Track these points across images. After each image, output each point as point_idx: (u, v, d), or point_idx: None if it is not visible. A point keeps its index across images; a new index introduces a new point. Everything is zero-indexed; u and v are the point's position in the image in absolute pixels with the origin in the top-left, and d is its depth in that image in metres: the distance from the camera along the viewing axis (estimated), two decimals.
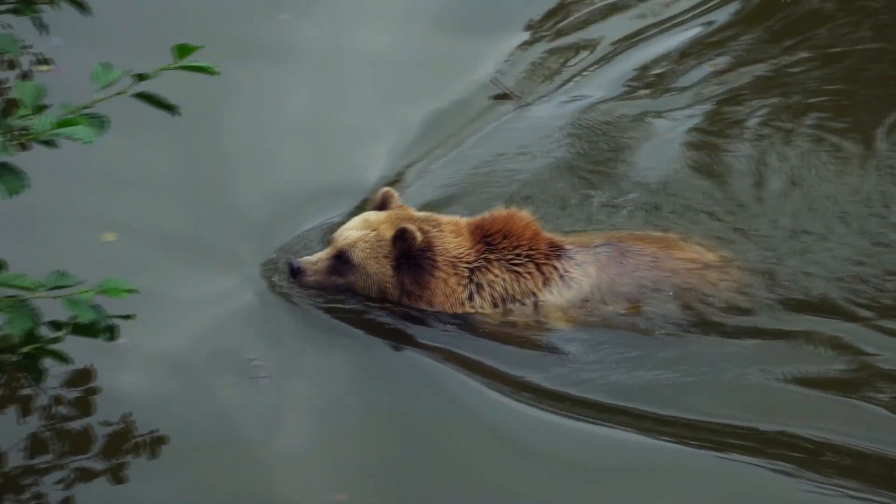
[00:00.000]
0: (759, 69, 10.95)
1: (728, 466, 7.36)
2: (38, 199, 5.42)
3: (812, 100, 10.38)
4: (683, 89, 10.81)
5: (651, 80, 10.96)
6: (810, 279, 8.47)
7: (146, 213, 9.13)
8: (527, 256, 8.18)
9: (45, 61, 9.84)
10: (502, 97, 10.64)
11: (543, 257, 8.19)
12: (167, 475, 7.25)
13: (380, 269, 8.11)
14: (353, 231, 8.18)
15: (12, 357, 5.73)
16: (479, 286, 8.16)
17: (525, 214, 8.25)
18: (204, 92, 5.64)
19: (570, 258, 8.22)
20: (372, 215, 8.26)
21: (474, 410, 7.78)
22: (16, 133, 5.18)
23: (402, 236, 8.04)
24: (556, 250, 8.23)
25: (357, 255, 8.12)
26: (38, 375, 5.81)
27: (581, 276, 8.18)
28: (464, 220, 8.32)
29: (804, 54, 11.11)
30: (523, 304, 8.17)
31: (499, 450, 7.54)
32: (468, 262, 8.17)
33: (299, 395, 7.89)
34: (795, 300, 8.34)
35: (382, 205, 8.35)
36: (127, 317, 6.75)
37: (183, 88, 5.64)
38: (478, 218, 8.34)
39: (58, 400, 7.56)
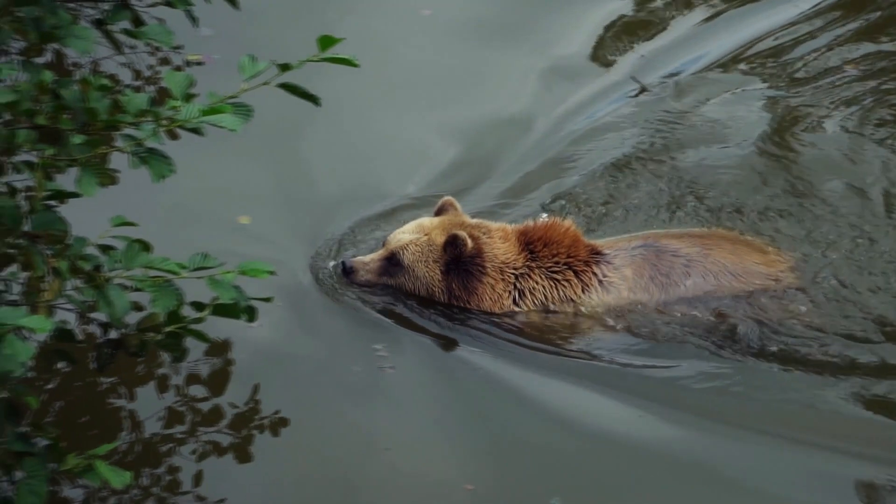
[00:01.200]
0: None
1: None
2: (181, 183, 5.57)
3: None
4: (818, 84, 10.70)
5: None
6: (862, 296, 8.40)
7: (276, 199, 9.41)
8: (565, 264, 8.32)
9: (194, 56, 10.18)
10: (641, 91, 10.62)
11: (583, 264, 8.32)
12: (290, 457, 7.44)
13: (429, 273, 8.28)
14: (405, 234, 8.38)
15: (156, 336, 5.92)
16: (522, 292, 8.32)
17: (566, 223, 8.38)
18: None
19: (609, 262, 8.32)
20: (426, 220, 8.48)
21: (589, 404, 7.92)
22: (164, 121, 5.35)
23: (453, 242, 8.22)
24: (596, 256, 8.34)
25: (408, 258, 8.31)
26: (179, 354, 6.01)
27: (619, 279, 8.28)
28: (511, 227, 8.45)
29: None
30: (564, 310, 8.26)
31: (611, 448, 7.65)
32: (514, 269, 8.33)
33: (423, 386, 8.03)
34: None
35: (440, 211, 8.52)
36: (266, 299, 6.93)
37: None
38: (522, 225, 8.47)
39: (192, 375, 7.81)
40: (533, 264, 8.40)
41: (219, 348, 8.04)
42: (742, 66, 11.12)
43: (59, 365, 7.60)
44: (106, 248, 5.64)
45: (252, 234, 8.99)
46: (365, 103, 10.29)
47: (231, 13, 6.59)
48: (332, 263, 8.59)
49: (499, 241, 8.41)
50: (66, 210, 5.61)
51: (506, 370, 8.16)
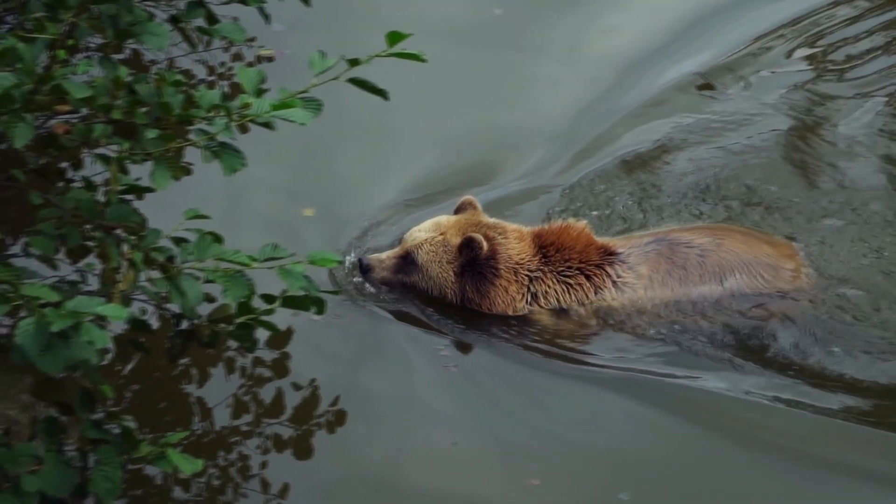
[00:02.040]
0: None
1: None
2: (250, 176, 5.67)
3: None
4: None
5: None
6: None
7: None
8: (578, 269, 8.27)
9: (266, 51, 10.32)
10: (705, 87, 10.57)
11: (595, 267, 8.26)
12: (353, 450, 7.51)
13: (442, 273, 8.24)
14: (421, 233, 8.34)
15: (228, 327, 6.03)
16: (535, 295, 8.26)
17: (578, 225, 8.33)
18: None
19: (623, 262, 8.27)
20: (443, 219, 8.43)
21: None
22: (236, 116, 5.45)
23: (468, 245, 8.17)
24: (609, 257, 8.28)
25: (422, 257, 8.27)
26: (250, 345, 6.11)
27: (633, 278, 8.23)
28: (527, 229, 8.39)
29: None
30: (578, 313, 8.24)
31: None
32: (529, 271, 8.27)
33: (485, 384, 8.05)
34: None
35: (460, 210, 8.49)
36: (335, 292, 7.03)
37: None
38: (537, 228, 8.42)
39: (258, 366, 7.90)
40: (546, 269, 8.34)
41: (282, 340, 8.10)
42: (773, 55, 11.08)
43: (134, 355, 7.70)
44: (179, 241, 5.73)
45: (316, 226, 9.05)
46: (432, 98, 10.37)
47: (302, 9, 6.71)
48: (349, 260, 8.56)
49: (514, 241, 8.34)
50: (139, 203, 5.74)
51: (565, 370, 8.18)
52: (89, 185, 5.81)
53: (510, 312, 8.30)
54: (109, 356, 7.70)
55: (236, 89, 6.02)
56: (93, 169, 5.94)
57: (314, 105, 5.50)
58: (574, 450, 7.63)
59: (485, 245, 8.16)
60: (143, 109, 5.47)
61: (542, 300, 8.29)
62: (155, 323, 7.46)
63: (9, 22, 6.05)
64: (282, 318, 6.70)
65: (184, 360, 7.75)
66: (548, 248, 8.32)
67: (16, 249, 7.80)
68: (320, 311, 6.09)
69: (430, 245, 8.27)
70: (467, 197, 8.53)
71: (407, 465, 7.52)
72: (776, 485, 7.37)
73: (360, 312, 8.43)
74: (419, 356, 8.21)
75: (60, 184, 6.01)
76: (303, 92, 5.53)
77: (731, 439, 7.65)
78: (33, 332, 5.00)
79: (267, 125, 5.51)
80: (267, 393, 7.81)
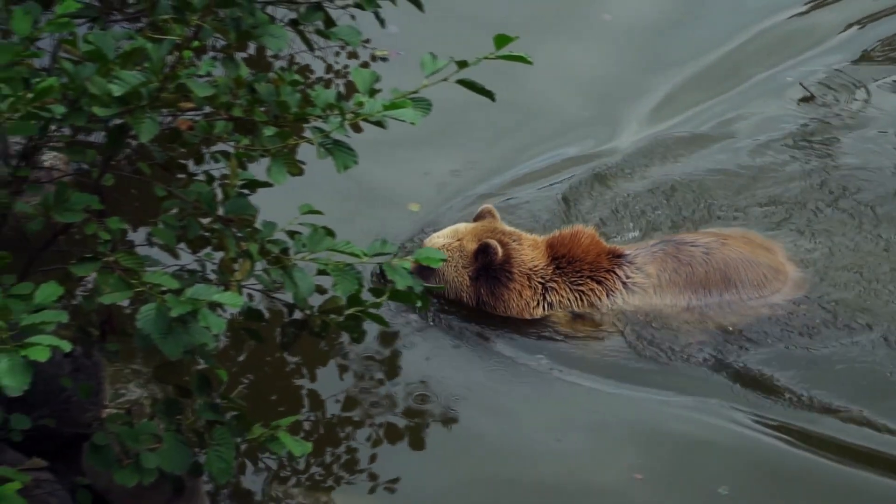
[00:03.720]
0: None
1: None
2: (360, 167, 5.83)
3: None
4: None
5: None
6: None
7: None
8: (589, 276, 8.36)
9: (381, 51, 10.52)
10: (806, 99, 10.53)
11: (605, 271, 8.35)
12: (462, 448, 7.70)
13: (457, 278, 8.34)
14: (439, 238, 8.44)
15: (338, 318, 6.16)
16: (551, 304, 8.38)
17: (587, 231, 8.42)
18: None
19: (631, 263, 8.36)
20: (462, 226, 8.55)
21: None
22: (349, 114, 5.56)
23: (484, 250, 8.26)
24: (617, 259, 8.37)
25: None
26: (358, 336, 6.22)
27: (642, 278, 8.30)
28: (541, 238, 8.49)
29: None
30: (593, 316, 8.31)
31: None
32: (543, 278, 8.37)
33: (590, 381, 8.17)
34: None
35: (479, 218, 8.58)
36: (439, 288, 7.18)
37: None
38: (550, 236, 8.51)
39: (368, 357, 8.09)
40: (560, 279, 8.46)
41: (392, 334, 8.32)
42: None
43: (248, 342, 7.94)
44: (293, 234, 5.87)
45: (421, 221, 9.20)
46: (537, 101, 10.47)
47: (417, 11, 6.88)
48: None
49: (529, 249, 8.48)
50: (255, 197, 5.91)
51: (659, 367, 8.28)
52: (210, 179, 5.97)
53: (525, 316, 8.44)
54: (224, 343, 7.93)
55: (352, 88, 6.16)
56: (213, 164, 6.14)
57: (424, 105, 5.60)
58: (676, 445, 7.73)
59: (499, 250, 8.30)
60: (262, 109, 5.60)
61: (557, 305, 8.42)
62: (267, 312, 7.63)
63: (141, 21, 6.27)
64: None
65: (295, 353, 7.97)
66: (560, 259, 8.47)
67: (140, 238, 8.04)
68: (425, 307, 6.28)
69: (447, 251, 8.39)
70: (486, 206, 8.67)
71: (513, 461, 7.67)
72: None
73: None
74: (519, 355, 8.36)
75: (183, 177, 6.14)
76: (413, 92, 5.62)
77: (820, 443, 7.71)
78: (154, 317, 5.16)
79: (379, 124, 5.61)
80: (376, 386, 7.98)
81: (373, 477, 7.43)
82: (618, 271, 8.48)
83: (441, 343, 8.36)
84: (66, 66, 5.22)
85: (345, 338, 7.99)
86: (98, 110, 5.22)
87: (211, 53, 6.70)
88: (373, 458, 7.54)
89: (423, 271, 8.28)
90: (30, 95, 4.91)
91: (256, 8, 5.72)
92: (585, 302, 8.46)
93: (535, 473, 7.60)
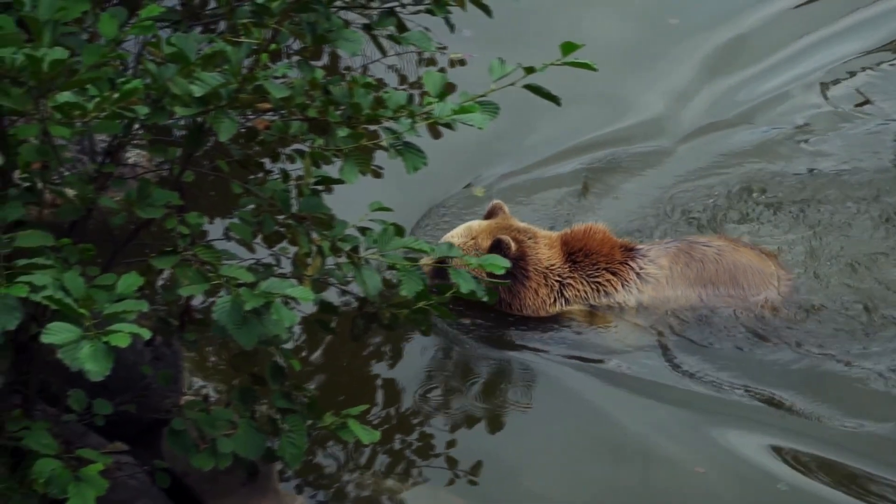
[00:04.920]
0: None
1: None
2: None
3: None
4: None
5: None
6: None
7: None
8: (605, 268, 8.42)
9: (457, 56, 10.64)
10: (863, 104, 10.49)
11: (619, 263, 8.43)
12: (537, 443, 7.80)
13: (474, 276, 8.27)
14: (454, 238, 8.45)
15: (406, 311, 6.34)
16: (567, 300, 8.42)
17: (599, 227, 8.50)
18: None
19: (644, 255, 8.46)
20: (475, 224, 8.58)
21: None
22: (419, 117, 5.67)
23: (497, 246, 8.24)
24: (630, 253, 8.46)
25: (455, 262, 8.34)
26: (426, 329, 6.41)
27: (655, 269, 8.37)
28: (556, 234, 8.54)
29: None
30: (608, 308, 8.34)
31: None
32: (559, 276, 8.43)
33: (646, 377, 8.28)
34: None
35: (490, 215, 8.61)
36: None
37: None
38: (563, 233, 8.57)
39: (437, 349, 8.26)
40: (576, 274, 8.54)
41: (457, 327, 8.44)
42: None
43: (320, 334, 8.09)
44: (364, 230, 6.02)
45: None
46: (602, 103, 10.55)
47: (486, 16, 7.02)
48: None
49: (544, 246, 8.54)
50: (328, 196, 6.06)
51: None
52: (285, 177, 6.09)
53: (542, 314, 8.51)
54: (298, 335, 8.08)
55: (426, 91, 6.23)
56: (287, 162, 6.26)
57: (492, 108, 5.69)
58: (736, 440, 7.78)
59: (513, 246, 8.33)
60: (339, 112, 5.70)
61: (573, 301, 8.49)
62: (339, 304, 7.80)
63: (220, 25, 6.42)
64: None
65: (366, 344, 8.14)
66: (576, 254, 8.54)
67: (217, 233, 8.16)
68: (492, 301, 6.41)
69: (462, 249, 8.24)
70: (496, 202, 8.72)
71: (581, 452, 7.78)
72: None
73: None
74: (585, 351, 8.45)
75: (259, 175, 6.26)
76: (482, 96, 5.71)
77: None
78: (229, 309, 5.29)
79: (449, 126, 5.71)
80: (442, 378, 8.14)
81: (442, 466, 7.57)
82: (631, 263, 8.61)
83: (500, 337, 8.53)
84: (149, 68, 5.33)
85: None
86: (179, 110, 5.35)
87: (289, 58, 6.81)
88: (442, 448, 7.68)
89: (441, 272, 8.28)
90: (115, 95, 5.03)
91: (332, 13, 5.82)
92: (601, 293, 8.55)
93: (601, 465, 7.70)
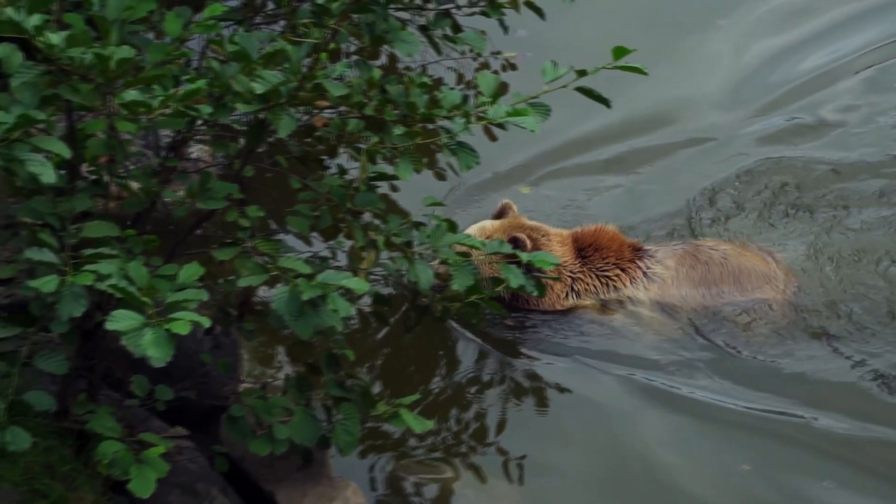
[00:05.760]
0: None
1: None
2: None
3: None
4: None
5: None
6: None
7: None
8: (615, 265, 8.53)
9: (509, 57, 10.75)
10: None
11: (628, 261, 8.54)
12: (581, 440, 7.88)
13: (492, 273, 8.25)
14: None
15: (457, 304, 6.49)
16: (578, 294, 8.52)
17: (609, 227, 8.61)
18: None
19: (651, 256, 8.58)
20: (488, 223, 8.66)
21: None
22: (473, 117, 5.76)
23: (514, 244, 8.18)
24: (639, 252, 8.59)
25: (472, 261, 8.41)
26: (477, 321, 6.55)
27: (661, 269, 8.47)
28: (566, 232, 8.63)
29: None
30: (618, 302, 8.43)
31: None
32: (571, 272, 8.54)
33: (698, 374, 8.32)
34: None
35: (500, 214, 8.69)
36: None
37: None
38: (574, 231, 8.67)
39: (490, 340, 8.35)
40: (585, 269, 8.66)
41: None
42: None
43: (374, 325, 8.18)
44: (417, 224, 6.14)
45: (529, 204, 9.42)
46: (653, 107, 10.63)
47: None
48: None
49: (556, 244, 8.63)
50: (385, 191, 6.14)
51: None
52: (342, 173, 6.21)
53: (557, 307, 8.61)
54: (354, 326, 8.18)
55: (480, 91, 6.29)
56: (344, 159, 6.35)
57: (543, 110, 5.79)
58: (784, 437, 7.84)
59: (529, 244, 8.37)
60: (396, 112, 5.79)
61: (584, 296, 8.61)
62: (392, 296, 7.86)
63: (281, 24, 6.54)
64: None
65: (419, 335, 8.18)
66: (586, 250, 8.68)
67: (276, 226, 8.34)
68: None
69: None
70: (505, 201, 8.81)
71: (627, 449, 7.87)
72: None
73: None
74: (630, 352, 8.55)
75: (317, 171, 6.35)
76: (534, 97, 5.80)
77: None
78: (287, 299, 5.41)
79: (501, 126, 5.80)
80: (491, 370, 8.25)
81: (493, 455, 7.66)
82: (639, 262, 8.75)
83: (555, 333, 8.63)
84: (212, 65, 5.46)
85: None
86: (241, 106, 5.45)
87: (348, 58, 6.91)
88: (492, 437, 7.77)
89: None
90: (180, 93, 5.15)
91: (390, 14, 5.93)
92: (611, 287, 8.68)
93: (648, 463, 7.76)
